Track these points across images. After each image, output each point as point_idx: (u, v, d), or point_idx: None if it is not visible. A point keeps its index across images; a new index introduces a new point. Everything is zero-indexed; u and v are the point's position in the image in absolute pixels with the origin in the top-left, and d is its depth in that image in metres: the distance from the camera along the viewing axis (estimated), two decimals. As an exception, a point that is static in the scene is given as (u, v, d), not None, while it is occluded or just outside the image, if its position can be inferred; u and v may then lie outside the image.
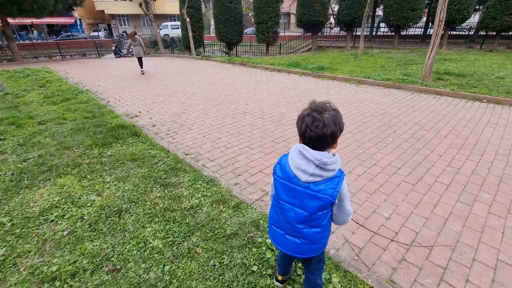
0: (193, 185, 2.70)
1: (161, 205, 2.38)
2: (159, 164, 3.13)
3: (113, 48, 16.34)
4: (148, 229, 2.11)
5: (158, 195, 2.55)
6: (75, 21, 32.36)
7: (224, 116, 5.03)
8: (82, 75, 9.84)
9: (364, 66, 10.18)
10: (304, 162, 1.05)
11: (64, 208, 2.37)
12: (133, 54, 9.87)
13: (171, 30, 27.27)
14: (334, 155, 1.07)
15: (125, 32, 26.98)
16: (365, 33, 14.39)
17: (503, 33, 14.06)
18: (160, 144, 3.73)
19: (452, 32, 17.01)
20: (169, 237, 2.03)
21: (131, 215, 2.27)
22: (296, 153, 1.08)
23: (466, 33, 19.85)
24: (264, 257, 1.83)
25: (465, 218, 2.35)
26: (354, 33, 17.41)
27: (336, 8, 18.92)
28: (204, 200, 2.46)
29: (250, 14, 28.39)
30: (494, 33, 14.15)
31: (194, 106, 5.71)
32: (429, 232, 2.19)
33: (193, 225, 2.14)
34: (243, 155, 3.53)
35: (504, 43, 15.65)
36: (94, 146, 3.63)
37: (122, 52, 15.71)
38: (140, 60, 9.63)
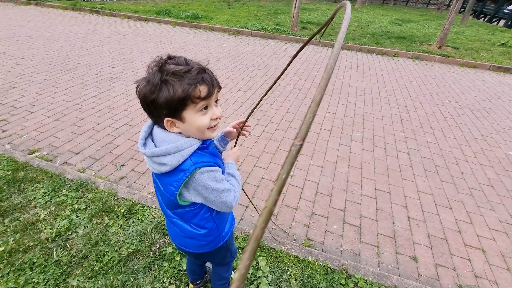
0: (53, 199, 1.90)
1: (2, 248, 1.55)
2: (-18, 179, 2.04)
3: None
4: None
5: (-9, 231, 1.65)
6: None
7: (83, 87, 3.79)
8: None
9: (239, 15, 9.91)
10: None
11: None
12: None
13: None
14: (183, 137, 0.74)
15: None
16: (234, -23, 13.76)
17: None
18: (-23, 144, 2.43)
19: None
20: (29, 293, 1.36)
21: None
22: None
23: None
24: (181, 270, 1.50)
25: (348, 158, 2.72)
26: (222, -23, 16.46)
27: None
28: (78, 217, 1.78)
29: None
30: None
31: (30, 76, 4.01)
32: (326, 179, 2.42)
33: (67, 261, 1.51)
34: (123, 137, 2.79)
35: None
36: None
37: None
38: None
